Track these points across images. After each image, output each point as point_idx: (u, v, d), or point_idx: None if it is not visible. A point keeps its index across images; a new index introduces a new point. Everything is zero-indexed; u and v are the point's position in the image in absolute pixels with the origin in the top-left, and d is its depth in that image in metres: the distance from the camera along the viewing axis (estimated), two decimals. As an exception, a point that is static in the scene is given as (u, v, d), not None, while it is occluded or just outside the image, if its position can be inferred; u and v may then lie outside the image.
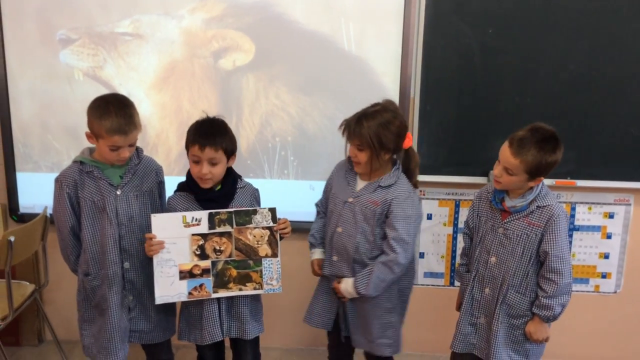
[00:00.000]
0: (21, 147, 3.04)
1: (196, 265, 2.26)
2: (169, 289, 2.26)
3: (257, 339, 2.48)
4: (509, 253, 2.22)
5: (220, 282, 2.28)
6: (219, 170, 2.24)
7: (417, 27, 2.85)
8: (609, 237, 3.12)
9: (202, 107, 2.94)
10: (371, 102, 2.27)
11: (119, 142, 2.17)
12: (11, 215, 3.13)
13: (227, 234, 2.26)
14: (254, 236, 2.27)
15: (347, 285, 2.29)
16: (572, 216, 3.10)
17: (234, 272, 2.28)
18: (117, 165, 2.29)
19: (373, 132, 2.16)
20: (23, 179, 3.08)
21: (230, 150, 2.26)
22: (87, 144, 2.31)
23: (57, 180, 2.27)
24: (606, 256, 3.14)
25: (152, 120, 3.00)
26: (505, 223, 2.23)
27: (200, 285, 2.27)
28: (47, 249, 2.96)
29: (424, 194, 3.07)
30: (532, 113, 2.90)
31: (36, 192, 3.08)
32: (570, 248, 3.11)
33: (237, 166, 2.83)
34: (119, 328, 2.31)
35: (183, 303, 2.40)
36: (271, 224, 2.27)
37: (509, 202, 2.22)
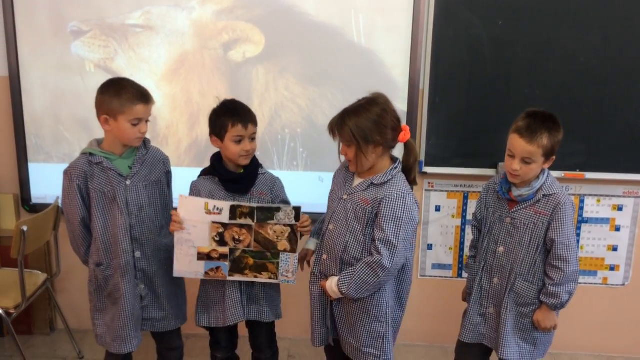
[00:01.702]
0: (33, 138, 3.07)
1: (214, 250, 2.29)
2: (187, 265, 2.31)
3: (272, 324, 2.53)
4: (517, 242, 2.24)
5: (237, 267, 2.31)
6: (255, 145, 2.34)
7: (427, 19, 2.85)
8: (617, 229, 3.12)
9: (212, 98, 2.95)
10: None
11: (140, 113, 2.20)
12: (23, 205, 3.17)
13: (247, 226, 2.27)
14: (275, 232, 2.28)
15: (332, 284, 2.20)
16: (581, 208, 3.10)
17: (251, 261, 2.30)
18: (125, 156, 2.31)
19: (354, 126, 2.07)
20: (35, 170, 3.11)
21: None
22: (97, 135, 2.33)
23: (67, 173, 2.28)
24: (615, 248, 3.14)
25: (163, 111, 3.02)
26: (512, 212, 2.25)
27: (217, 268, 2.31)
28: (59, 238, 2.99)
29: (432, 186, 3.08)
30: (541, 105, 2.86)
31: (48, 182, 3.10)
32: (578, 238, 3.12)
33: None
34: (133, 316, 2.34)
35: (201, 288, 2.45)
36: (294, 222, 2.27)
37: (515, 192, 2.23)
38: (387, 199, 2.11)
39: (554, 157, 2.19)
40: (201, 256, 2.29)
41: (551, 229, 2.18)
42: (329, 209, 2.31)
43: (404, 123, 2.22)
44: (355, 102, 2.17)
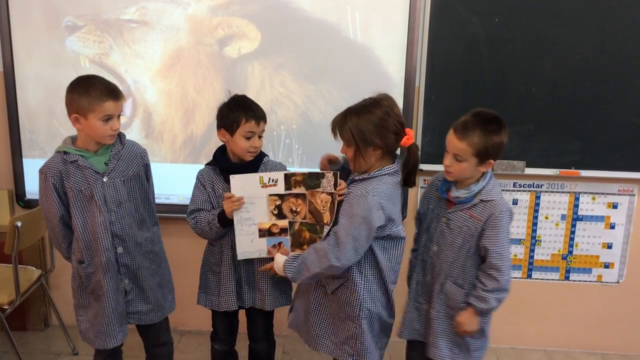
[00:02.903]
0: (27, 133, 3.06)
1: (274, 224, 2.29)
2: (250, 245, 2.29)
3: (271, 315, 2.53)
4: (449, 244, 2.19)
5: (297, 242, 2.29)
6: (262, 142, 2.36)
7: (423, 16, 2.85)
8: (612, 227, 3.13)
9: (207, 94, 2.95)
10: (376, 91, 2.23)
11: (110, 109, 2.17)
12: (18, 201, 3.16)
13: (302, 196, 2.27)
14: (321, 201, 2.26)
15: (277, 266, 2.18)
16: (576, 206, 3.10)
17: (307, 235, 2.28)
18: (100, 152, 2.28)
19: (355, 127, 2.05)
20: (29, 165, 3.10)
21: None
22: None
23: (42, 172, 2.25)
24: (609, 246, 3.15)
25: (158, 107, 3.01)
26: (448, 213, 2.20)
27: (279, 243, 2.30)
28: (54, 234, 2.98)
29: (428, 183, 3.07)
30: (537, 103, 2.90)
31: (42, 178, 3.10)
32: (573, 236, 3.13)
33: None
34: (116, 312, 2.33)
35: (202, 273, 2.48)
36: (333, 190, 2.23)
37: (454, 193, 2.18)
38: (351, 194, 2.09)
39: (492, 162, 2.10)
40: (262, 233, 2.29)
41: (485, 237, 2.11)
42: None
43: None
44: (360, 101, 2.13)
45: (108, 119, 2.18)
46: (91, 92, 2.15)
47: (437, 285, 2.23)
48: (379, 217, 2.05)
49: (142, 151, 2.43)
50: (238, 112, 2.29)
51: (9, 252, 2.62)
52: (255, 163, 2.38)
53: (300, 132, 3.01)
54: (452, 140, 2.09)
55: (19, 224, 2.58)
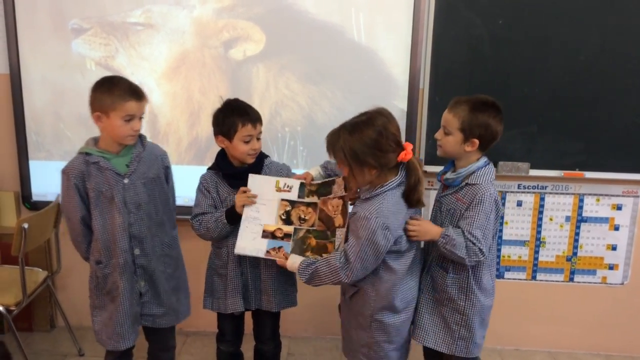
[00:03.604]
0: (34, 135, 3.08)
1: (279, 229, 2.30)
2: (250, 242, 2.29)
3: (278, 317, 2.56)
4: (438, 226, 2.18)
5: (299, 249, 2.28)
6: (261, 144, 2.37)
7: (427, 18, 2.85)
8: (616, 228, 3.13)
9: (213, 97, 2.97)
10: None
11: (132, 109, 2.20)
12: (24, 203, 3.17)
13: (313, 205, 2.30)
14: (333, 206, 2.28)
15: (292, 266, 2.16)
16: (580, 207, 3.10)
17: (314, 242, 2.29)
18: (122, 154, 2.30)
19: (348, 147, 1.98)
20: (36, 167, 3.12)
21: None
22: (98, 133, 2.32)
23: (64, 172, 2.27)
24: (614, 248, 3.14)
25: (163, 109, 3.03)
26: (441, 197, 2.25)
27: (279, 247, 2.30)
28: (60, 236, 3.01)
29: (432, 184, 3.08)
30: (541, 103, 2.91)
31: (49, 180, 3.11)
32: (577, 237, 3.12)
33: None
34: (130, 314, 2.35)
35: (208, 276, 2.49)
36: (344, 193, 2.27)
37: (446, 175, 2.22)
38: (355, 216, 2.05)
39: (476, 141, 2.09)
40: (266, 234, 2.29)
41: (463, 217, 2.11)
42: None
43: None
44: (355, 116, 2.06)
45: (130, 119, 2.21)
46: (115, 91, 2.19)
47: (426, 267, 2.26)
48: (385, 237, 2.00)
49: (163, 153, 2.46)
50: (233, 117, 2.29)
51: (16, 254, 2.63)
52: (257, 165, 2.39)
53: (304, 133, 3.02)
54: (444, 113, 2.17)
55: (25, 225, 2.59)
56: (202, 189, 2.40)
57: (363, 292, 2.15)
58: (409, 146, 2.04)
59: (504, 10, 2.83)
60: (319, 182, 2.32)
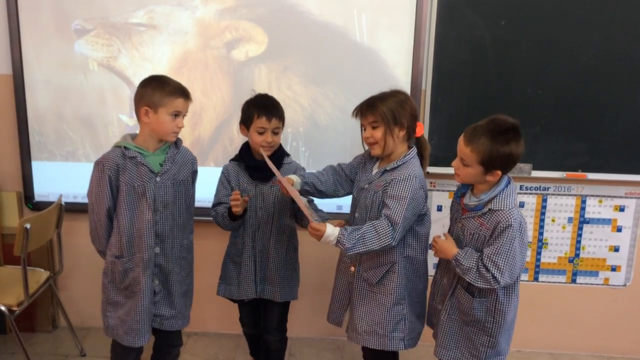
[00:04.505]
0: (37, 136, 3.08)
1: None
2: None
3: (285, 308, 2.67)
4: (457, 248, 2.17)
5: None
6: (278, 139, 2.53)
7: (430, 19, 2.85)
8: (619, 230, 3.12)
9: (214, 98, 2.97)
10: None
11: (180, 106, 2.29)
12: (27, 203, 3.18)
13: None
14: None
15: (331, 232, 2.13)
16: (583, 209, 3.10)
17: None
18: (157, 153, 2.35)
19: (387, 106, 2.20)
20: (38, 168, 3.12)
21: (284, 121, 2.54)
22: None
23: (99, 163, 2.30)
24: (616, 249, 3.14)
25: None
26: (463, 218, 2.18)
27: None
28: (62, 236, 3.00)
29: (434, 186, 3.08)
30: (543, 105, 2.91)
31: (51, 180, 3.12)
32: (579, 239, 3.12)
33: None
34: (149, 311, 2.36)
35: (223, 264, 2.65)
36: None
37: (466, 199, 2.17)
38: (395, 179, 2.19)
39: (499, 172, 2.04)
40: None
41: (487, 244, 2.07)
42: (353, 199, 2.42)
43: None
44: (379, 93, 2.27)
45: (176, 115, 2.29)
46: (165, 88, 2.27)
47: (450, 289, 2.24)
48: (422, 196, 2.22)
49: (193, 158, 2.52)
50: (252, 108, 2.47)
51: (18, 254, 2.63)
52: (277, 162, 2.52)
53: (306, 134, 3.02)
54: (460, 144, 2.09)
55: (28, 226, 2.60)
56: (222, 179, 2.58)
57: (397, 266, 2.26)
58: (420, 124, 2.30)
59: (506, 12, 2.83)
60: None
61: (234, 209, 2.40)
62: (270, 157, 2.43)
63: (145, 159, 2.31)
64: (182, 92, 2.30)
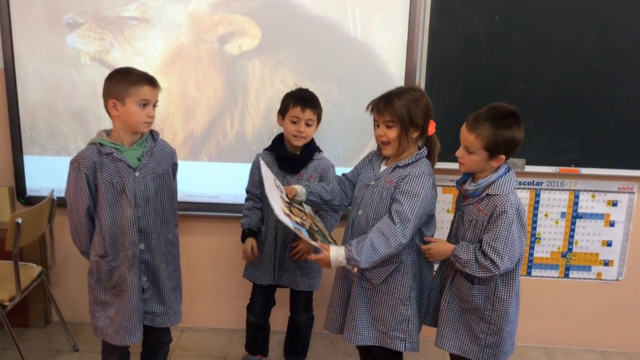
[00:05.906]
0: (28, 130, 3.06)
1: (290, 214, 2.25)
2: (280, 210, 2.20)
3: (310, 294, 2.81)
4: (461, 236, 2.21)
5: (312, 237, 2.21)
6: (311, 131, 2.62)
7: (423, 14, 2.85)
8: (612, 225, 3.13)
9: (207, 92, 2.96)
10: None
11: (147, 94, 2.24)
12: (18, 197, 3.16)
13: (304, 213, 2.36)
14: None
15: (337, 254, 2.12)
16: (576, 204, 3.11)
17: (319, 238, 2.23)
18: (134, 148, 2.31)
19: (404, 106, 2.17)
20: (30, 162, 3.10)
21: (320, 117, 2.64)
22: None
23: (75, 162, 2.26)
24: (609, 244, 3.15)
25: (158, 104, 3.00)
26: (462, 206, 2.23)
27: (299, 230, 2.21)
28: (54, 231, 2.99)
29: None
30: (537, 100, 2.91)
31: (43, 175, 3.10)
32: (572, 234, 3.13)
33: (241, 151, 2.85)
34: (138, 308, 2.33)
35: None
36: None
37: (465, 185, 2.21)
38: (408, 176, 2.19)
39: (503, 156, 2.09)
40: (286, 213, 2.23)
41: (486, 229, 2.11)
42: (356, 198, 2.36)
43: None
44: (397, 88, 2.26)
45: (145, 104, 2.24)
46: (129, 77, 2.24)
47: (450, 277, 2.25)
48: (433, 195, 2.24)
49: (172, 150, 2.47)
50: (290, 99, 2.61)
51: (10, 249, 2.62)
52: (308, 156, 2.64)
53: (300, 129, 3.01)
54: (463, 132, 2.12)
55: (19, 220, 2.58)
56: (252, 167, 2.73)
57: (403, 265, 2.24)
58: (432, 122, 2.27)
59: (500, 6, 2.83)
60: (297, 207, 2.33)
61: (242, 255, 2.63)
62: (301, 150, 2.61)
63: (122, 154, 2.27)
64: (148, 80, 2.26)
